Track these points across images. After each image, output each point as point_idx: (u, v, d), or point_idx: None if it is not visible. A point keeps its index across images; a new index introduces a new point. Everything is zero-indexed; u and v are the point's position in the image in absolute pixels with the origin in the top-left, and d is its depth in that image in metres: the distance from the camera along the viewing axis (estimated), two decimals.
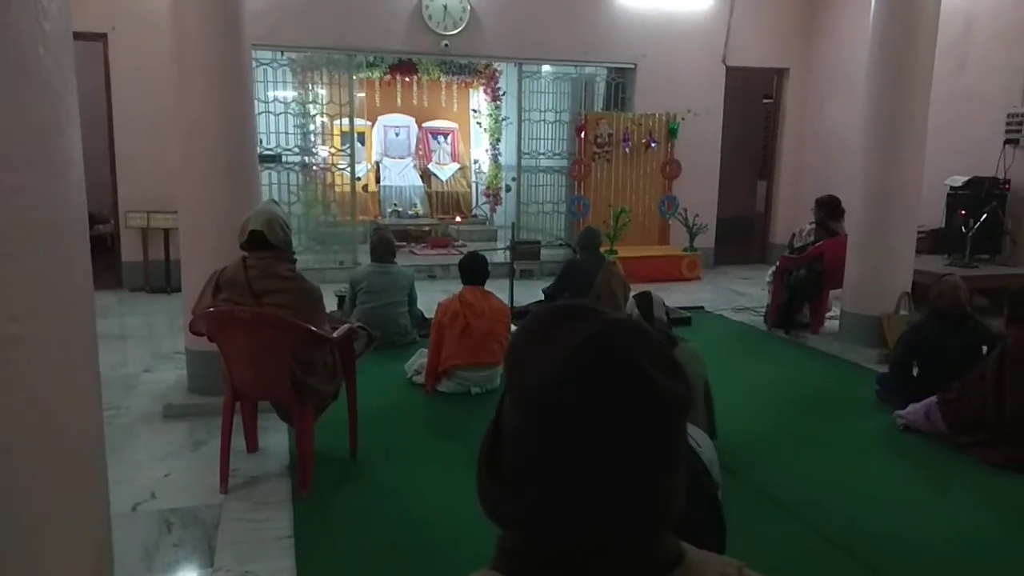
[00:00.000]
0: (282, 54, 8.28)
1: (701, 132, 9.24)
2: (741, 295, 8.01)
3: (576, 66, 9.25)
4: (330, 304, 6.04)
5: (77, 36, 7.47)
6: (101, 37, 7.33)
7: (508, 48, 8.69)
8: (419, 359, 4.81)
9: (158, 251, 7.59)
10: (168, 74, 4.27)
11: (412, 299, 5.66)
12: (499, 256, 7.49)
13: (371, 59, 9.71)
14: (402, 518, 3.21)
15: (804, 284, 6.10)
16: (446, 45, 8.33)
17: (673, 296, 7.79)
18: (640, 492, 0.72)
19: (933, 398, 4.01)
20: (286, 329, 3.07)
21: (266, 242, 3.10)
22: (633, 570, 0.74)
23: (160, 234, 7.52)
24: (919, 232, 6.92)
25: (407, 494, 3.41)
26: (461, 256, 8.72)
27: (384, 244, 5.58)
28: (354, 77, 9.80)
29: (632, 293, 5.93)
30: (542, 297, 6.44)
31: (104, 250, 8.08)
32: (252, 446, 3.73)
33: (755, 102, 10.35)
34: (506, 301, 6.51)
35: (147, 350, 5.62)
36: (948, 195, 7.10)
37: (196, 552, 2.88)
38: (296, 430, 3.38)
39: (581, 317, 0.76)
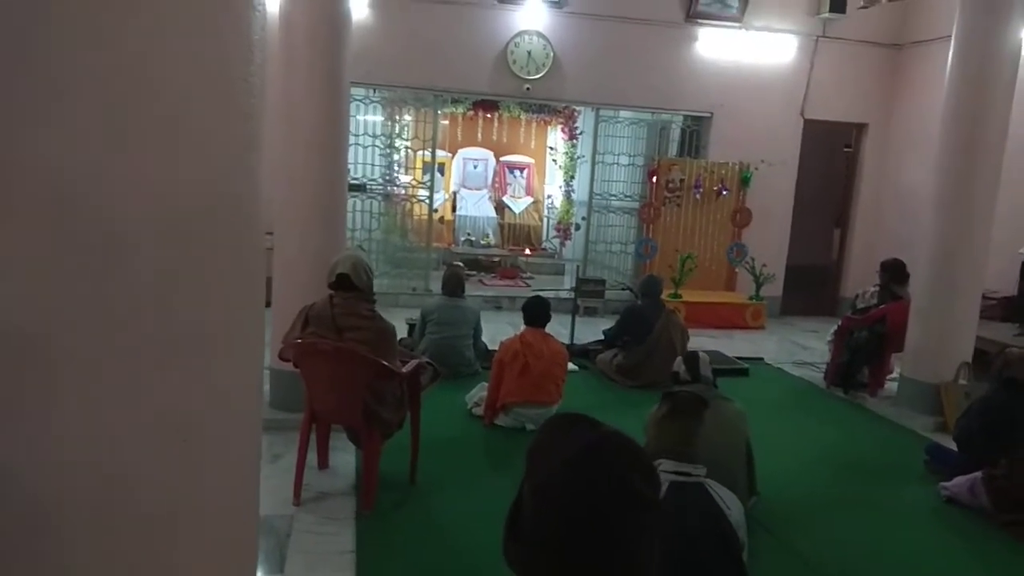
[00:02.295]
0: (374, 91, 8.81)
1: (775, 182, 9.33)
2: (804, 348, 8.03)
3: (652, 112, 9.51)
4: (401, 330, 6.50)
5: None
6: None
7: (587, 93, 9.01)
8: (479, 392, 5.11)
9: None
10: (279, 111, 4.73)
11: (477, 333, 5.98)
12: (572, 292, 7.73)
13: (455, 96, 10.19)
14: (451, 542, 3.50)
15: (865, 346, 6.15)
16: (528, 89, 8.72)
17: (734, 345, 7.90)
18: (612, 560, 0.99)
19: (978, 473, 4.06)
20: (362, 363, 3.42)
21: (351, 284, 3.47)
22: None
23: (263, 254, 8.07)
24: (989, 298, 6.88)
25: (457, 520, 3.70)
26: (527, 288, 9.07)
27: (455, 279, 5.94)
28: (440, 112, 10.33)
29: (689, 340, 6.19)
30: (602, 337, 6.66)
31: None
32: (323, 463, 4.09)
33: (837, 150, 10.31)
34: (566, 339, 6.79)
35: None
36: (1022, 263, 7.01)
37: (270, 558, 3.23)
38: (364, 453, 3.72)
39: (584, 428, 1.04)
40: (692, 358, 3.73)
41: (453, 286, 5.93)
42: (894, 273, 6.25)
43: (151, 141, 1.05)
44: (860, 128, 9.76)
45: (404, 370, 3.64)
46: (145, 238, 1.06)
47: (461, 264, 7.41)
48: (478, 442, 4.76)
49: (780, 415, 5.79)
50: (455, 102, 10.48)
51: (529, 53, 8.63)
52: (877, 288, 6.33)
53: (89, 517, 1.06)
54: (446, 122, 10.98)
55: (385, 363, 3.43)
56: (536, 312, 5.02)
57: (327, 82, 4.57)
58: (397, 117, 9.49)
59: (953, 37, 5.56)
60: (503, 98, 9.64)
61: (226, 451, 1.25)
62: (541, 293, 5.98)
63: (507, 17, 8.57)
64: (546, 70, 8.67)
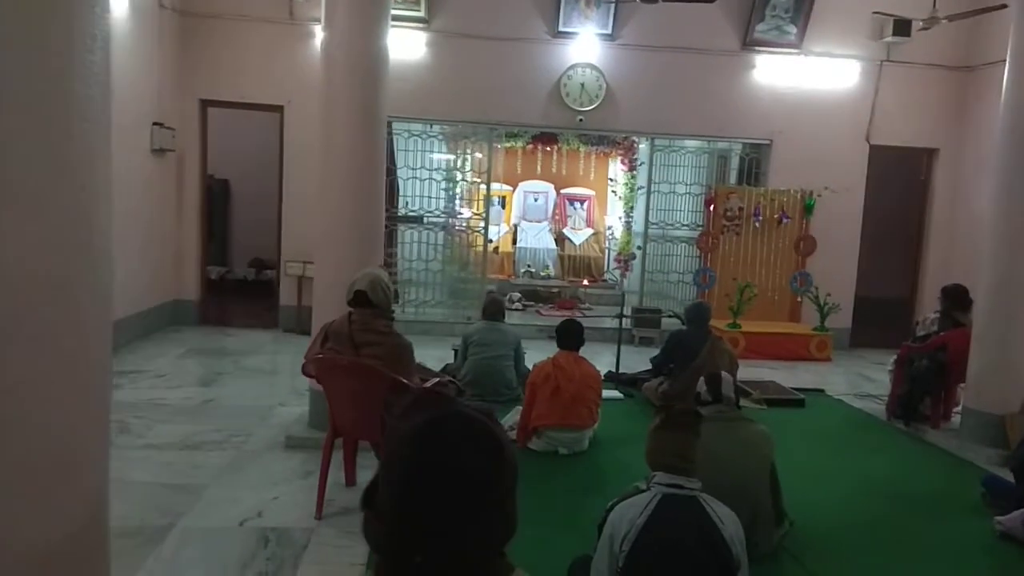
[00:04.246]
0: (431, 126, 9.08)
1: (840, 209, 9.05)
2: (869, 381, 7.68)
3: (709, 141, 9.42)
4: (448, 357, 6.59)
5: (261, 107, 8.67)
6: (279, 108, 8.43)
7: (641, 123, 9.03)
8: (514, 415, 5.11)
9: (310, 297, 8.44)
10: (318, 144, 4.96)
11: (519, 356, 6.01)
12: (622, 321, 7.64)
13: (515, 130, 10.37)
14: None
15: (926, 375, 5.84)
16: (581, 120, 8.81)
17: (796, 376, 7.65)
18: (456, 530, 1.00)
19: None
20: (378, 378, 3.50)
21: (368, 300, 3.57)
22: None
23: (312, 282, 8.40)
24: None
25: None
26: (584, 318, 9.04)
27: (495, 305, 6.04)
28: (499, 146, 10.54)
29: (738, 368, 6.02)
30: (650, 367, 6.56)
31: (269, 294, 9.10)
32: (350, 480, 4.17)
33: (911, 178, 9.92)
34: (604, 367, 6.74)
35: (286, 386, 6.30)
36: None
37: (284, 568, 3.31)
38: None
39: (434, 406, 1.06)
40: (714, 378, 3.65)
41: (493, 311, 6.02)
42: (956, 299, 5.94)
43: None
44: (931, 153, 9.39)
45: (423, 387, 3.69)
46: None
47: (495, 289, 7.52)
48: None
49: (832, 446, 5.56)
50: (514, 136, 10.66)
51: (582, 85, 8.74)
52: (938, 315, 6.03)
53: None
54: (505, 156, 11.17)
55: (400, 378, 3.49)
56: (569, 335, 5.01)
57: (364, 115, 4.76)
58: (459, 152, 9.74)
59: (1008, 57, 5.36)
60: (556, 130, 9.78)
61: None
62: (587, 322, 5.97)
63: (560, 51, 8.71)
64: (599, 101, 8.74)
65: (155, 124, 7.69)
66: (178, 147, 8.22)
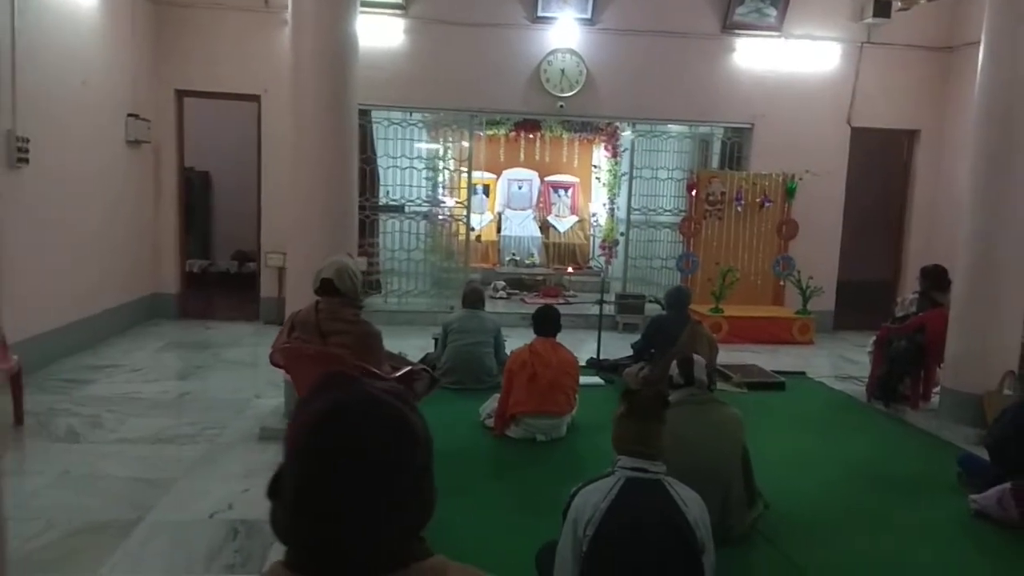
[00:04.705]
0: (411, 114, 9.00)
1: (822, 192, 9.03)
2: (851, 363, 7.68)
3: (691, 125, 9.38)
4: (429, 346, 6.56)
5: (237, 96, 8.57)
6: (255, 98, 8.33)
7: (622, 109, 8.98)
8: (492, 403, 5.08)
9: None
10: (288, 132, 4.90)
11: (499, 344, 5.98)
12: (602, 308, 7.61)
13: (497, 118, 10.30)
14: (450, 551, 3.43)
15: (904, 356, 5.84)
16: (561, 106, 8.75)
17: (778, 360, 7.64)
18: (362, 518, 0.96)
19: (1007, 484, 3.78)
20: (344, 367, 3.45)
21: (336, 289, 3.52)
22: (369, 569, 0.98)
23: None
24: None
25: (457, 529, 3.63)
26: (569, 306, 9.00)
27: (474, 293, 6.01)
28: (481, 134, 10.46)
29: (718, 352, 6.01)
30: (631, 352, 6.54)
31: (252, 286, 9.02)
32: None
33: (893, 160, 9.90)
34: (588, 354, 6.73)
35: (263, 378, 6.22)
36: None
37: (251, 559, 3.27)
38: None
39: (337, 388, 1.02)
40: (686, 361, 3.63)
41: (473, 299, 6.00)
42: (935, 279, 5.94)
43: None
44: (912, 135, 9.38)
45: (395, 375, 3.66)
46: None
47: (478, 279, 7.49)
48: (485, 452, 4.72)
49: (811, 428, 5.56)
50: (496, 123, 10.58)
51: (562, 71, 8.67)
52: (917, 295, 6.03)
53: None
54: (488, 143, 11.09)
55: (368, 367, 3.45)
56: (546, 321, 4.98)
57: (333, 103, 4.71)
58: (440, 140, 9.66)
59: (983, 36, 5.35)
60: (537, 116, 9.70)
61: None
62: (564, 308, 5.96)
63: (539, 36, 8.64)
64: (580, 87, 8.68)
65: (130, 115, 7.59)
66: (154, 138, 8.12)
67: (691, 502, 2.51)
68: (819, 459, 4.87)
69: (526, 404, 4.75)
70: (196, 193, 10.85)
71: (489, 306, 8.32)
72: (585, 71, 8.67)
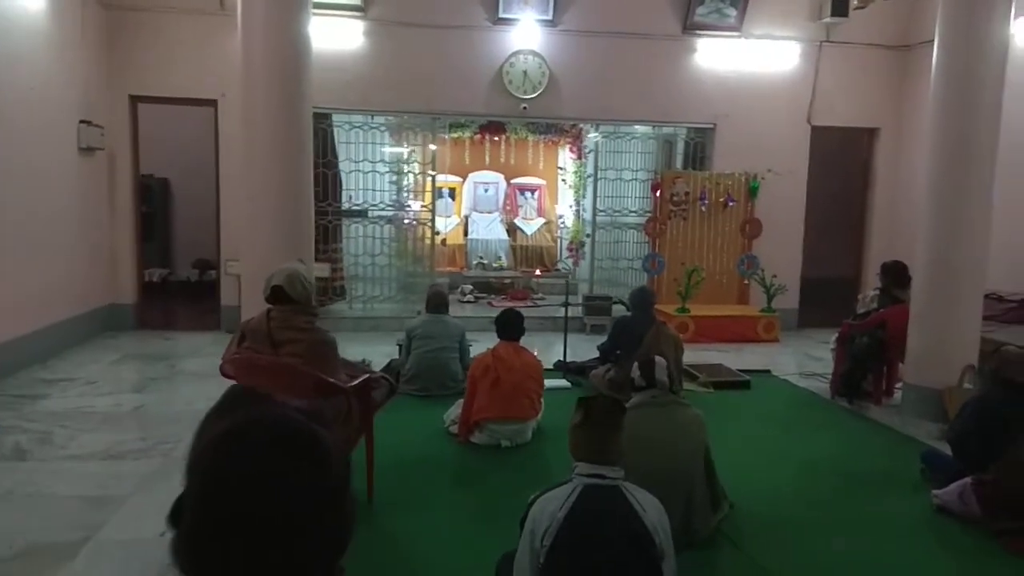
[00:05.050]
0: (372, 117, 8.89)
1: (784, 191, 9.09)
2: (815, 360, 7.73)
3: (654, 126, 9.39)
4: (393, 352, 6.46)
5: (193, 102, 8.39)
6: (212, 103, 8.16)
7: (585, 110, 8.96)
8: (456, 410, 5.00)
9: None
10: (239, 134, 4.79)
11: (463, 350, 5.90)
12: (572, 310, 7.55)
13: (461, 120, 10.22)
14: (407, 562, 3.37)
15: (866, 352, 5.88)
16: (524, 108, 8.70)
17: (743, 358, 7.66)
18: (265, 549, 0.89)
19: (968, 479, 3.80)
20: (300, 377, 3.36)
21: (287, 296, 3.42)
22: None
23: None
24: (1009, 300, 6.55)
25: (416, 539, 3.58)
26: (537, 308, 8.94)
27: (438, 297, 5.91)
28: (445, 137, 10.38)
29: (683, 352, 5.99)
30: (598, 354, 6.50)
31: (213, 294, 8.80)
32: None
33: (854, 158, 10.02)
34: (556, 357, 6.68)
35: (221, 389, 6.07)
36: None
37: None
38: None
39: (244, 406, 0.95)
40: (647, 364, 3.59)
41: (436, 303, 5.90)
42: (895, 276, 5.99)
43: None
44: (872, 133, 9.49)
45: (351, 384, 3.57)
46: None
47: (443, 283, 7.39)
48: (449, 459, 4.64)
49: (776, 427, 5.56)
50: (460, 126, 10.52)
51: (525, 72, 8.63)
52: (877, 292, 6.07)
53: None
54: (453, 146, 11.02)
55: (322, 376, 3.36)
56: (509, 325, 4.92)
57: (286, 106, 4.61)
58: (405, 143, 9.55)
59: (937, 36, 5.40)
60: (500, 118, 9.67)
61: None
62: (532, 311, 5.89)
63: (501, 38, 8.59)
64: (543, 88, 8.65)
65: (82, 122, 7.39)
66: (108, 145, 7.92)
67: (649, 507, 2.46)
68: (783, 457, 4.87)
69: (490, 410, 4.68)
70: (155, 200, 10.63)
71: (457, 310, 8.25)
72: (548, 72, 8.64)
